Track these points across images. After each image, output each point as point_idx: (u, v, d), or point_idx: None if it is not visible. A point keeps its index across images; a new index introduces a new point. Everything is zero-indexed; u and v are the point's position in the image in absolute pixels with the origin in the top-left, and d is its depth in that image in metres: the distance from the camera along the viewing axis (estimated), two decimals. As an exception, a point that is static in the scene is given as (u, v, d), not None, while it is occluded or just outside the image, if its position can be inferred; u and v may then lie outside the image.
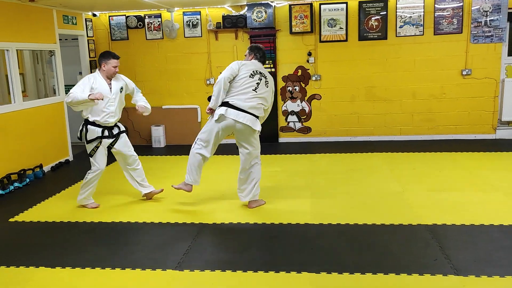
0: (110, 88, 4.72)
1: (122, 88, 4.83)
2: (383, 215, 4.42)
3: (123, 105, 4.92)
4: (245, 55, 4.83)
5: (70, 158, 7.23)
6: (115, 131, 4.85)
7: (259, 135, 4.77)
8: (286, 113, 8.06)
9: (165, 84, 8.19)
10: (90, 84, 4.60)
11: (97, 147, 4.76)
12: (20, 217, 4.79)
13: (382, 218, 4.36)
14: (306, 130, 8.07)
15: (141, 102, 4.95)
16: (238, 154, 4.78)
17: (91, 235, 4.28)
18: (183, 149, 7.31)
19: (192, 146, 4.77)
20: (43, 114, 6.57)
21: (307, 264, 3.50)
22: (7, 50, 5.92)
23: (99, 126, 4.71)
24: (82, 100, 4.45)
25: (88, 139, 4.71)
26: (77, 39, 7.85)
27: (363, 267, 3.41)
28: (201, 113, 8.19)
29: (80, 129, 4.79)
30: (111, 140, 4.82)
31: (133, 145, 8.22)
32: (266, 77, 4.67)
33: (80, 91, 4.49)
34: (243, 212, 4.66)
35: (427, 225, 4.16)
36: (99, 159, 4.79)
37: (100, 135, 4.72)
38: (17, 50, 6.10)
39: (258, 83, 4.60)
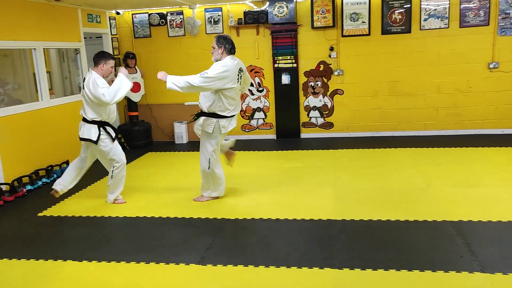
0: None
1: None
2: (407, 211, 4.37)
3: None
4: (213, 47, 4.58)
5: (96, 154, 7.37)
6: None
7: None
8: (308, 109, 8.02)
9: (188, 80, 8.23)
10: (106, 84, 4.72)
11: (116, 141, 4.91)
12: (48, 212, 4.91)
13: (406, 214, 4.31)
14: (328, 126, 8.02)
15: None
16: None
17: (116, 229, 4.36)
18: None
19: (208, 168, 4.77)
20: (69, 111, 6.70)
21: (329, 260, 3.49)
22: (34, 49, 6.06)
23: (108, 124, 4.82)
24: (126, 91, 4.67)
25: (113, 138, 4.80)
26: (101, 37, 7.97)
27: (386, 264, 3.38)
28: (223, 109, 8.22)
29: (97, 134, 4.73)
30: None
31: (156, 141, 8.40)
32: (242, 71, 4.73)
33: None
34: (266, 208, 4.67)
35: (452, 221, 4.09)
36: (121, 153, 4.89)
37: (114, 132, 4.87)
38: (44, 49, 6.24)
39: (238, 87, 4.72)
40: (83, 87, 4.70)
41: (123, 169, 4.92)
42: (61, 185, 5.01)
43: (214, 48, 4.60)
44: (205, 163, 4.78)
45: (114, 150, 4.83)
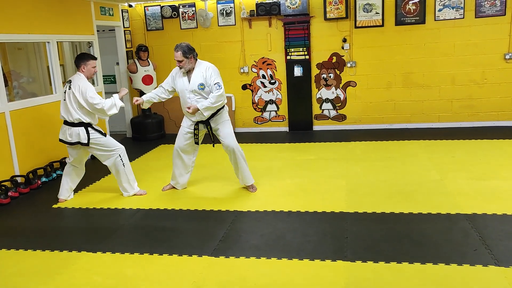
0: None
1: None
2: (421, 204, 4.34)
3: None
4: (181, 61, 4.57)
5: (109, 146, 7.42)
6: None
7: None
8: (321, 101, 7.98)
9: (200, 73, 8.24)
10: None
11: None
12: (62, 204, 4.97)
13: (420, 206, 4.27)
14: (341, 118, 7.97)
15: None
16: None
17: (130, 221, 4.40)
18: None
19: (241, 153, 4.87)
20: (82, 104, 6.75)
21: (342, 253, 3.48)
22: (48, 42, 6.11)
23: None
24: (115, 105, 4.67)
25: (103, 133, 4.86)
26: (114, 30, 8.00)
27: (399, 256, 3.37)
28: (235, 102, 8.23)
29: (87, 136, 4.69)
30: None
31: (168, 134, 8.44)
32: None
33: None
34: (278, 200, 4.67)
35: (466, 214, 4.05)
36: (115, 141, 4.93)
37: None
38: (57, 42, 6.29)
39: None
40: (69, 87, 4.62)
41: (125, 154, 4.96)
42: (67, 193, 5.07)
43: (183, 61, 4.59)
44: (240, 151, 4.86)
45: (109, 141, 4.87)
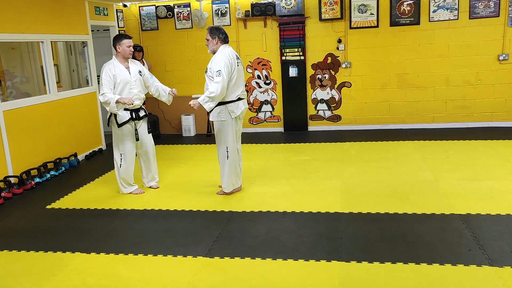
0: (129, 71, 4.81)
1: (140, 71, 4.92)
2: (415, 204, 4.35)
3: (145, 88, 5.01)
4: (207, 39, 4.62)
5: (103, 147, 7.40)
6: (141, 113, 4.96)
7: None
8: (316, 101, 7.99)
9: (195, 73, 8.24)
10: (111, 74, 4.68)
11: (129, 129, 4.87)
12: (56, 204, 4.95)
13: (414, 207, 4.29)
14: (336, 118, 7.98)
15: (164, 87, 5.10)
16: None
17: (124, 222, 4.38)
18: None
19: (227, 157, 4.73)
20: (77, 104, 6.73)
21: (337, 253, 3.49)
22: (42, 42, 6.08)
23: (127, 109, 4.81)
24: (111, 103, 4.65)
25: (119, 123, 4.78)
26: (109, 30, 7.97)
27: (394, 257, 3.37)
28: (230, 102, 8.22)
29: (108, 116, 4.85)
30: (138, 122, 4.94)
31: (163, 134, 8.43)
32: (238, 57, 4.72)
33: (109, 89, 4.65)
34: (273, 200, 4.67)
35: (460, 214, 4.06)
36: (122, 144, 4.94)
37: (130, 117, 4.83)
38: (51, 41, 6.25)
39: (241, 69, 4.71)
40: None
41: (123, 161, 4.96)
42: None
43: (208, 40, 4.63)
44: (223, 154, 4.74)
45: (115, 138, 4.89)
